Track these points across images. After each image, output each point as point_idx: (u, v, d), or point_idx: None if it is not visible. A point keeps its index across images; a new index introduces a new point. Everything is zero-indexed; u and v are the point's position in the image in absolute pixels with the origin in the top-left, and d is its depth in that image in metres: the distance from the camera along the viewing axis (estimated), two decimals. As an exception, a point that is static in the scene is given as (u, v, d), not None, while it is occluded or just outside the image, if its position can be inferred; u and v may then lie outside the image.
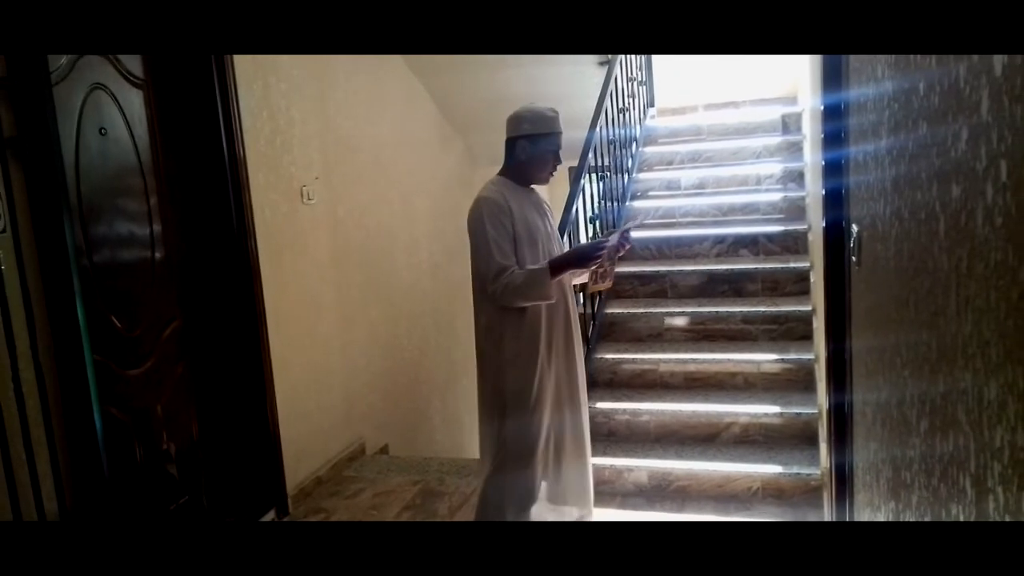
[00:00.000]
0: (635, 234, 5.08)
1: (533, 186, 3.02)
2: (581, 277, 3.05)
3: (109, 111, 2.84)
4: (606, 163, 4.88)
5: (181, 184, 3.20)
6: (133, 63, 2.96)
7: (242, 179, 3.31)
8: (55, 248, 2.38)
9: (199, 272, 3.28)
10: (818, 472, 3.45)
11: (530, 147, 2.89)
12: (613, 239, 2.89)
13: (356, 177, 4.49)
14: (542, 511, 2.97)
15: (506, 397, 2.84)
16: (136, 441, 2.90)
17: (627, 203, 5.36)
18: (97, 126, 2.77)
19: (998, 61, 0.80)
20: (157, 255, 3.06)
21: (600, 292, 4.35)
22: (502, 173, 2.99)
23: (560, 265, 2.78)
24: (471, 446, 5.31)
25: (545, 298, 2.77)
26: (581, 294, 3.93)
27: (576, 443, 3.03)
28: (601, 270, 2.94)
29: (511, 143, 2.94)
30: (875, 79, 1.64)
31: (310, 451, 3.90)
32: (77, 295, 2.42)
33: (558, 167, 3.00)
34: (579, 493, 3.07)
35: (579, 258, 2.85)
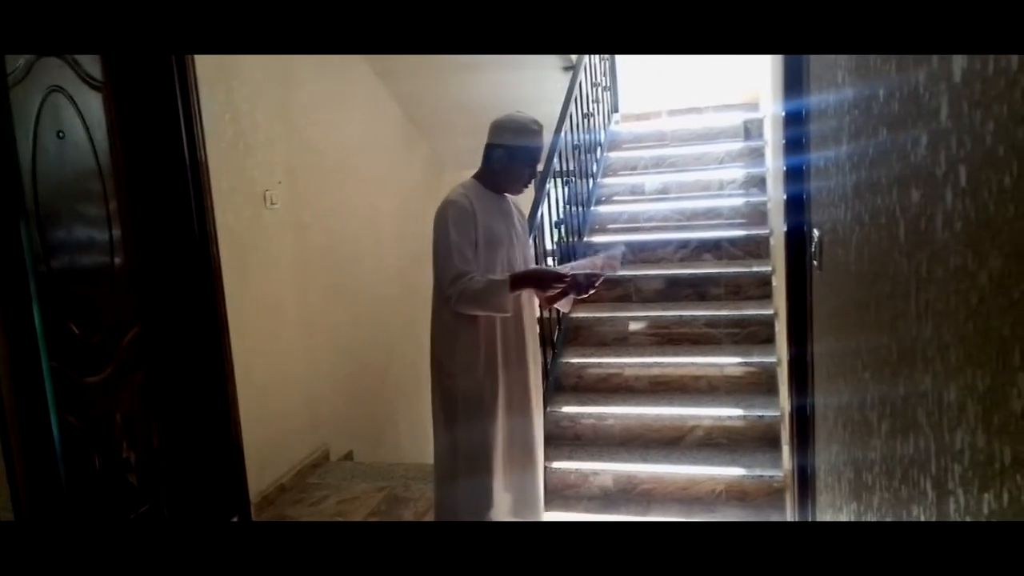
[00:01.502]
0: (599, 239, 5.11)
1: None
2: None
3: (67, 114, 2.78)
4: (571, 168, 4.89)
5: (142, 189, 3.15)
6: (92, 66, 2.91)
7: (204, 183, 3.26)
8: (12, 254, 2.32)
9: (160, 278, 3.23)
10: (781, 474, 3.47)
11: (506, 157, 2.85)
12: (581, 269, 2.86)
13: (320, 181, 4.45)
14: (498, 519, 2.95)
15: (458, 405, 2.82)
16: (95, 449, 2.84)
17: (592, 208, 5.37)
18: (55, 129, 2.72)
19: (957, 67, 0.80)
20: (117, 260, 3.01)
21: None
22: (476, 176, 2.95)
23: (520, 281, 2.76)
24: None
25: (501, 310, 2.74)
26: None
27: (526, 453, 2.99)
28: (563, 295, 2.91)
29: (489, 149, 2.90)
30: (836, 85, 1.65)
31: (273, 458, 3.86)
32: (34, 301, 2.36)
33: (533, 180, 2.97)
34: (530, 504, 3.03)
35: (538, 281, 2.85)
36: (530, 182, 2.97)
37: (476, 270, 2.73)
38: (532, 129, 2.86)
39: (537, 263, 3.64)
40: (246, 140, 3.64)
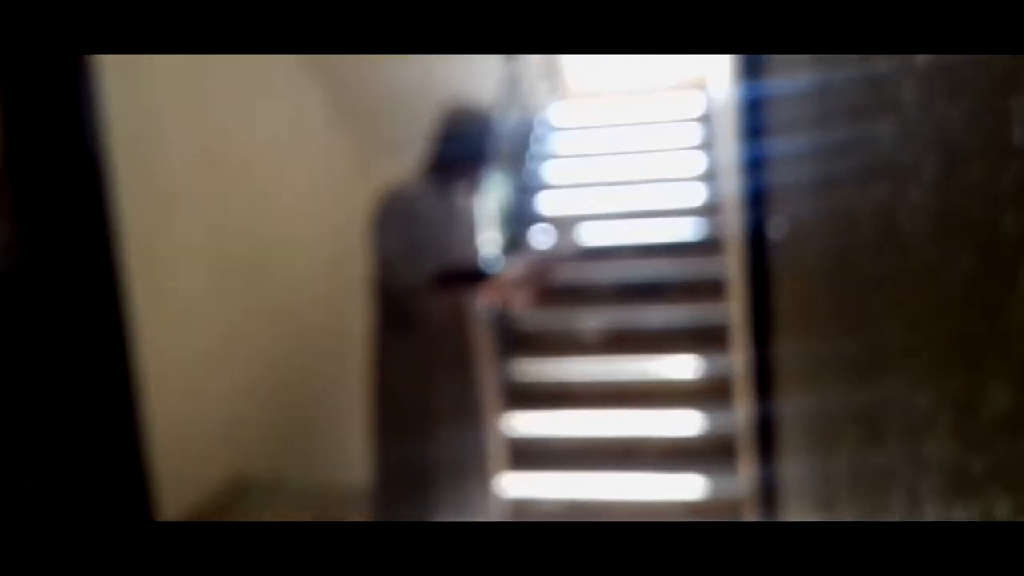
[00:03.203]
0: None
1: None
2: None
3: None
4: (514, 154, 4.89)
5: (37, 185, 3.05)
6: (-23, 47, 2.81)
7: (106, 179, 3.17)
8: None
9: (56, 284, 3.13)
10: (740, 485, 3.52)
11: (451, 149, 2.84)
12: (528, 263, 2.85)
13: (239, 178, 4.37)
14: None
15: (395, 414, 2.82)
16: (-14, 476, 2.75)
17: (536, 196, 5.38)
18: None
19: (921, 56, 0.82)
20: (10, 262, 2.91)
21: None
22: (419, 167, 2.93)
23: (447, 279, 2.75)
24: (369, 468, 5.23)
25: (426, 313, 2.73)
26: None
27: (476, 465, 2.98)
28: (502, 293, 2.89)
29: (433, 138, 2.88)
30: (794, 70, 1.68)
31: (188, 484, 3.77)
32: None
33: (478, 174, 2.95)
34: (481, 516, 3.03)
35: (467, 283, 2.83)
36: (476, 175, 2.96)
37: (403, 270, 2.72)
38: (479, 119, 2.86)
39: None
40: (153, 131, 3.56)
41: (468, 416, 2.95)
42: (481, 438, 3.03)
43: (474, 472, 2.98)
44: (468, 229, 3.02)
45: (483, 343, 3.07)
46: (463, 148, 2.84)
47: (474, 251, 3.04)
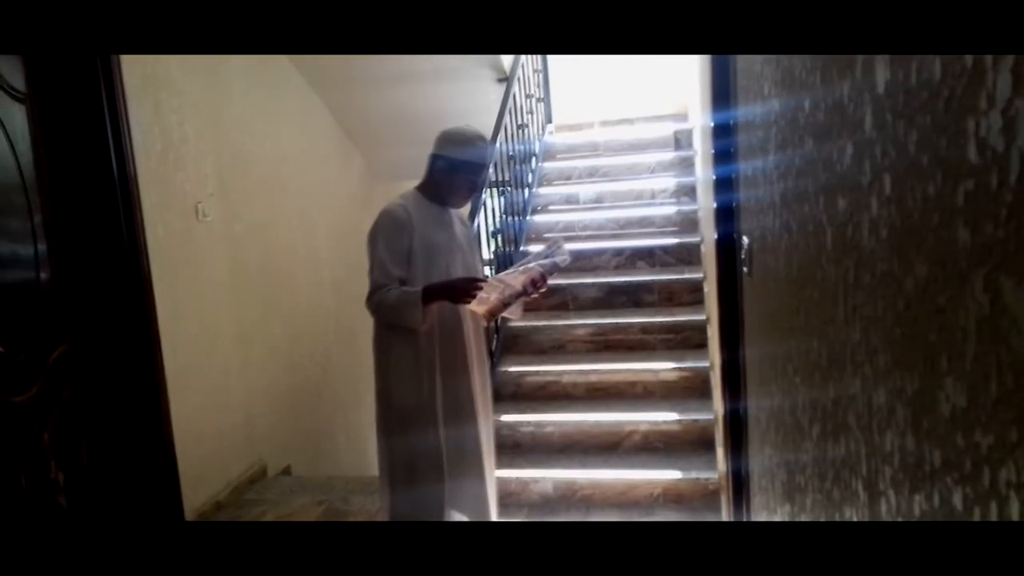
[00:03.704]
0: (535, 248, 5.11)
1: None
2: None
3: (-12, 126, 2.67)
4: (507, 178, 4.89)
5: (69, 203, 3.04)
6: (15, 77, 2.79)
7: (133, 197, 3.16)
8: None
9: (89, 294, 3.11)
10: (716, 476, 3.51)
11: (448, 170, 2.82)
12: (515, 276, 2.78)
13: (253, 193, 4.37)
14: None
15: (398, 414, 2.80)
16: (21, 471, 2.72)
17: (528, 217, 5.38)
18: (-25, 142, 2.60)
19: (881, 78, 0.81)
20: (43, 276, 2.89)
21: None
22: (418, 187, 2.92)
23: (434, 294, 2.71)
24: (376, 463, 5.22)
25: (414, 323, 2.70)
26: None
27: (475, 460, 2.94)
28: (490, 306, 2.74)
29: (433, 159, 2.86)
30: (762, 97, 1.68)
31: (209, 475, 3.76)
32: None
33: (474, 193, 2.95)
34: (483, 512, 2.99)
35: (451, 293, 2.75)
36: (471, 195, 2.95)
37: (395, 283, 2.70)
38: (476, 144, 2.84)
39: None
40: (176, 152, 3.55)
41: (470, 410, 2.92)
42: (485, 431, 3.01)
43: (474, 465, 2.95)
44: (463, 243, 3.00)
45: (481, 345, 3.05)
46: (458, 168, 2.82)
47: (469, 264, 3.00)
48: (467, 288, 2.72)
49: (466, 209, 4.05)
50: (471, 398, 2.92)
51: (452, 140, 2.83)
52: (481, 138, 2.87)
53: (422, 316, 2.69)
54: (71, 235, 3.06)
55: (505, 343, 4.52)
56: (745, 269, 2.12)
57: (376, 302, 2.69)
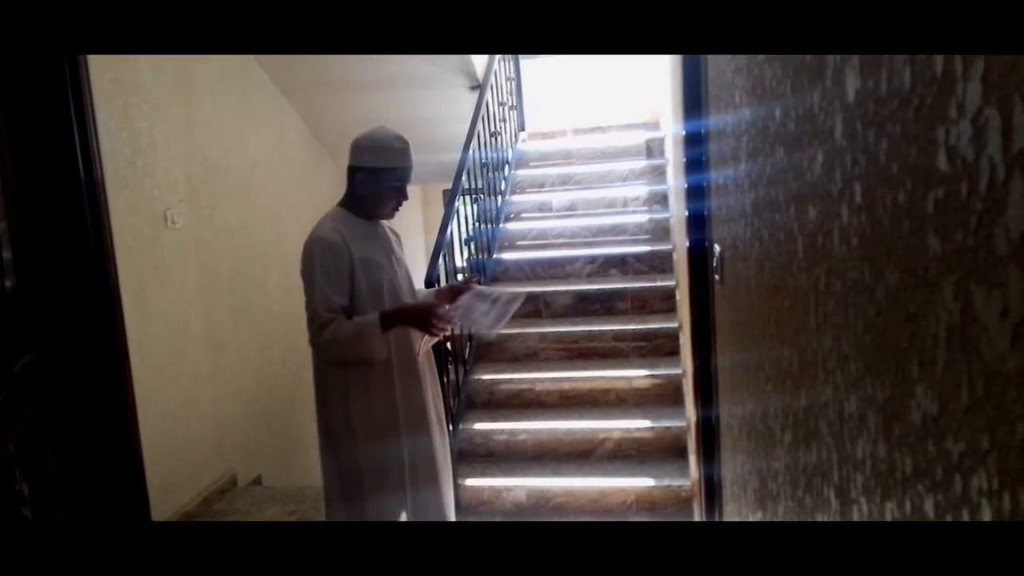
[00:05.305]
0: (508, 256, 5.11)
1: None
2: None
3: (-50, 131, 2.62)
4: (479, 185, 4.89)
5: (34, 209, 2.98)
6: (-22, 80, 2.75)
7: (101, 203, 3.11)
8: None
9: (55, 301, 3.06)
10: (688, 483, 3.52)
11: (370, 180, 2.58)
12: (460, 304, 2.68)
13: (224, 200, 4.32)
14: None
15: (359, 436, 2.65)
16: (-16, 483, 2.67)
17: (501, 224, 5.38)
18: (-64, 147, 2.55)
19: (851, 87, 0.82)
20: (7, 284, 2.84)
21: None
22: (342, 203, 2.70)
23: (393, 320, 2.53)
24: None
25: (375, 355, 2.53)
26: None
27: (430, 477, 2.78)
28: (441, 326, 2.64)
29: (352, 171, 2.63)
30: (733, 106, 1.68)
31: (178, 485, 3.70)
32: (-87, 328, 2.20)
33: (402, 202, 2.70)
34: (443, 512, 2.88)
35: (417, 321, 2.60)
36: (399, 206, 2.70)
37: (340, 315, 2.52)
38: (396, 147, 2.59)
39: (435, 284, 3.46)
40: (145, 158, 3.50)
41: (424, 426, 2.76)
42: (440, 443, 2.85)
43: (433, 479, 2.81)
44: (400, 255, 2.81)
45: (430, 360, 2.88)
46: (380, 177, 2.59)
47: (407, 277, 2.82)
48: (432, 320, 2.56)
49: (438, 213, 4.04)
50: (425, 412, 2.76)
51: (367, 148, 2.60)
52: (399, 139, 2.61)
53: (384, 346, 2.54)
54: (37, 242, 3.00)
55: (478, 351, 4.50)
56: (717, 277, 2.13)
57: (327, 340, 2.50)
